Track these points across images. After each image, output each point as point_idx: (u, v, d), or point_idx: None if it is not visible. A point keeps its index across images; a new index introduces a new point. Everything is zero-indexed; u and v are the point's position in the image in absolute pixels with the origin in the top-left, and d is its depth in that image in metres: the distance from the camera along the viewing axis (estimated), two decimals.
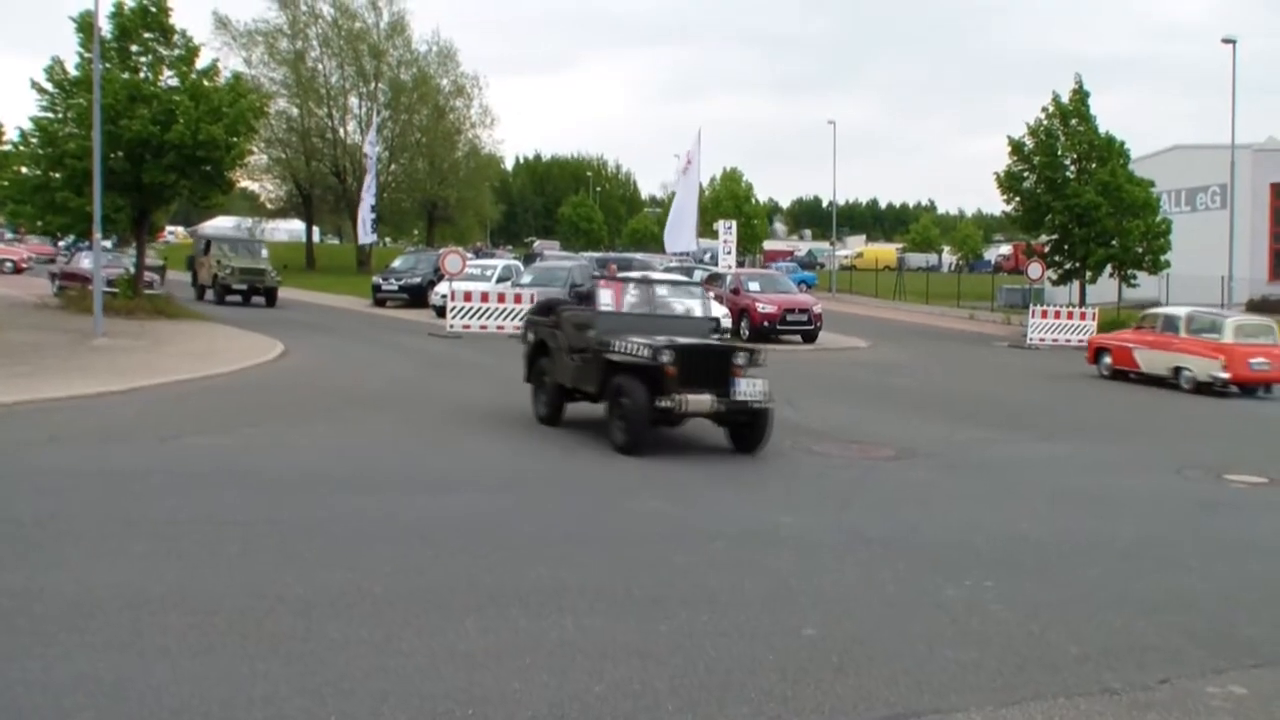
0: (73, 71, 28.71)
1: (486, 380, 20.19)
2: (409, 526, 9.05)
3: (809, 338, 32.27)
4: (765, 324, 31.63)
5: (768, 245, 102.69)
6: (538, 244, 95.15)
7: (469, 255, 47.12)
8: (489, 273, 38.29)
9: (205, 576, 7.41)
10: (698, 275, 38.15)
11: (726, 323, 30.18)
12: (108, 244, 41.21)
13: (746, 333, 31.56)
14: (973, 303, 55.49)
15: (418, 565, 7.91)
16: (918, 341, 35.81)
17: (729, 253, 34.84)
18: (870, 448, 14.18)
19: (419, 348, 26.62)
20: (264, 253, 39.39)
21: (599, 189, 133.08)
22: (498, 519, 9.38)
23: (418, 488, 10.70)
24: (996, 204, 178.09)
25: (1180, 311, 25.11)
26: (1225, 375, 23.15)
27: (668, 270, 41.15)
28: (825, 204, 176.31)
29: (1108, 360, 26.19)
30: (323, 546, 8.29)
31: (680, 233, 41.65)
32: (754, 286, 33.61)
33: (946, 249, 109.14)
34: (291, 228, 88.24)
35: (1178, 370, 24.18)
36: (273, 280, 37.24)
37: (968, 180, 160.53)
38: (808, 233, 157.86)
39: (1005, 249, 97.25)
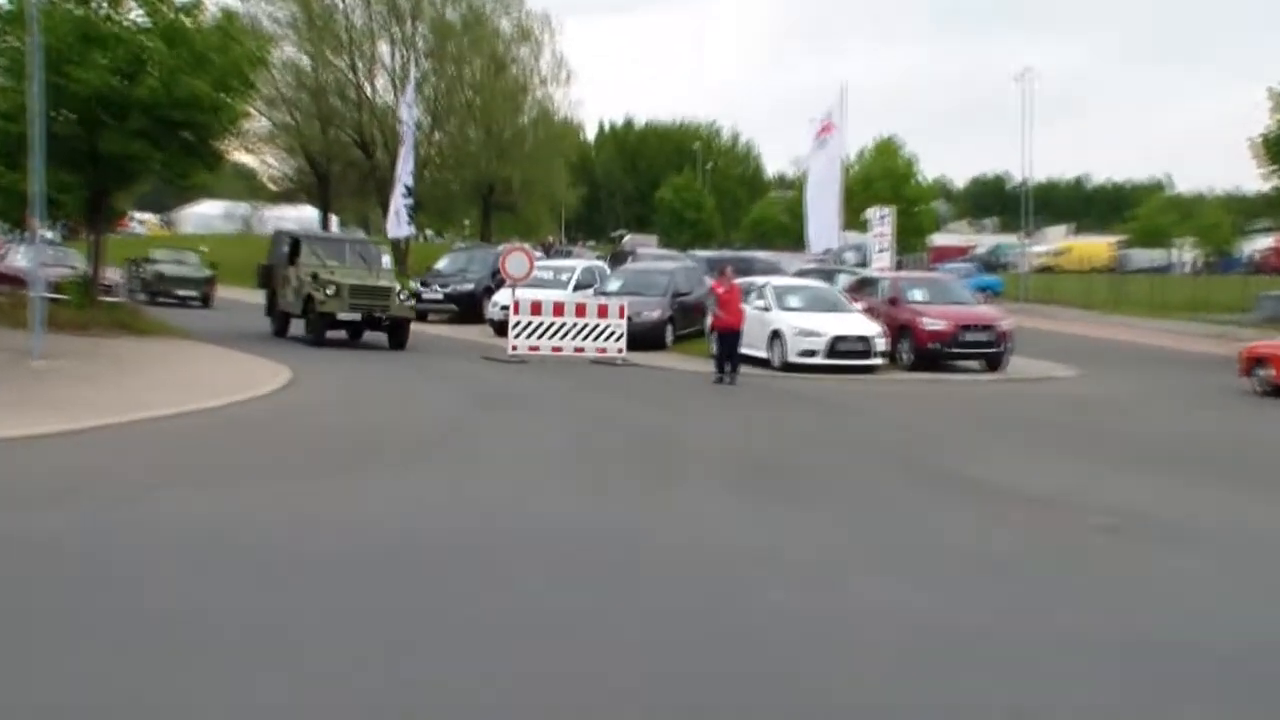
0: (1, 1, 29.18)
1: (563, 420, 20.22)
2: (473, 628, 8.71)
3: (994, 364, 32.13)
4: (934, 345, 31.38)
5: (936, 240, 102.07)
6: (628, 239, 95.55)
7: (537, 254, 47.31)
8: (564, 277, 38.46)
9: None
10: (841, 281, 37.87)
11: (881, 343, 29.89)
12: (50, 234, 42.20)
13: (909, 356, 31.26)
14: (1221, 316, 54.28)
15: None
16: (1143, 370, 35.15)
17: (884, 250, 34.46)
18: (1081, 515, 13.88)
19: (471, 376, 26.63)
20: (385, 260, 34.02)
21: (710, 166, 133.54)
22: (600, 617, 9.10)
23: (471, 570, 10.47)
24: (1254, 179, 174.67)
25: None
26: None
27: (801, 274, 40.90)
28: (1014, 184, 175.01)
29: (1266, 373, 28.48)
30: (354, 660, 7.96)
31: (819, 224, 41.43)
32: (918, 295, 33.39)
33: (1184, 242, 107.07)
34: (301, 216, 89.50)
35: None
36: (404, 308, 32.04)
37: (1215, 149, 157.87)
38: (990, 222, 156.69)
39: (1267, 241, 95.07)
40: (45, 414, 17.38)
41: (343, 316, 31.35)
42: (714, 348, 28.82)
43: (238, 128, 31.73)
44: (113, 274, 38.39)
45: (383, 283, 31.96)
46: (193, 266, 46.47)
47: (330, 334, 31.96)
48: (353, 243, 35.39)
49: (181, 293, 44.35)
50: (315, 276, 31.48)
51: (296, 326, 33.15)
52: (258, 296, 39.01)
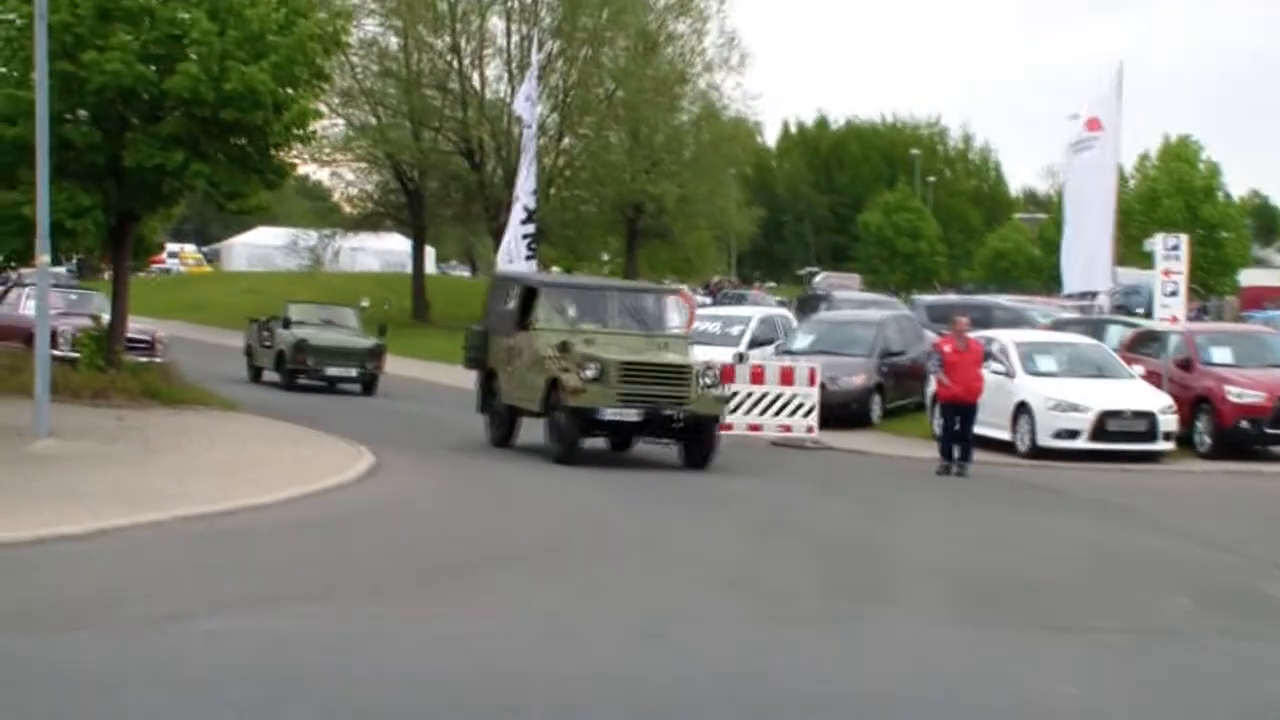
0: None
1: (730, 523, 20.30)
2: None
3: None
4: (1245, 424, 30.76)
5: (1248, 278, 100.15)
6: (821, 278, 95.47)
7: (699, 298, 47.42)
8: (735, 330, 38.46)
9: None
10: (1113, 335, 37.40)
11: (1170, 421, 29.45)
12: (61, 270, 42.32)
13: (1208, 439, 30.76)
14: None
15: None
16: None
17: (1174, 293, 33.96)
18: None
19: (611, 461, 26.74)
20: (673, 316, 29.29)
21: (932, 180, 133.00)
22: None
23: (615, 716, 10.67)
24: None
25: None
26: None
27: (1058, 325, 40.48)
28: None
29: None
30: None
31: (1082, 258, 40.93)
32: (1223, 355, 32.79)
33: None
34: (387, 248, 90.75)
35: None
36: (710, 400, 26.67)
37: None
38: None
39: None
40: (57, 509, 17.68)
41: (611, 415, 25.82)
42: (938, 427, 28.65)
43: (305, 131, 31.80)
44: (149, 326, 38.76)
45: (673, 357, 26.93)
46: (351, 332, 42.29)
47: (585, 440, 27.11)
48: (623, 291, 29.97)
49: (334, 371, 40.22)
50: (565, 348, 26.32)
51: (531, 430, 27.99)
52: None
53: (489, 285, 33.54)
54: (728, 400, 27.79)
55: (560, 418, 25.90)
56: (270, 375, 41.20)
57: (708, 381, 26.19)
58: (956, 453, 27.20)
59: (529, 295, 28.28)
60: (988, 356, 30.74)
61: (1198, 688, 12.32)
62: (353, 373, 40.24)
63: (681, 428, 26.16)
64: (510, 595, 14.89)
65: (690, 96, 74.36)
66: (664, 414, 25.78)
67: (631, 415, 25.74)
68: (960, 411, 27.53)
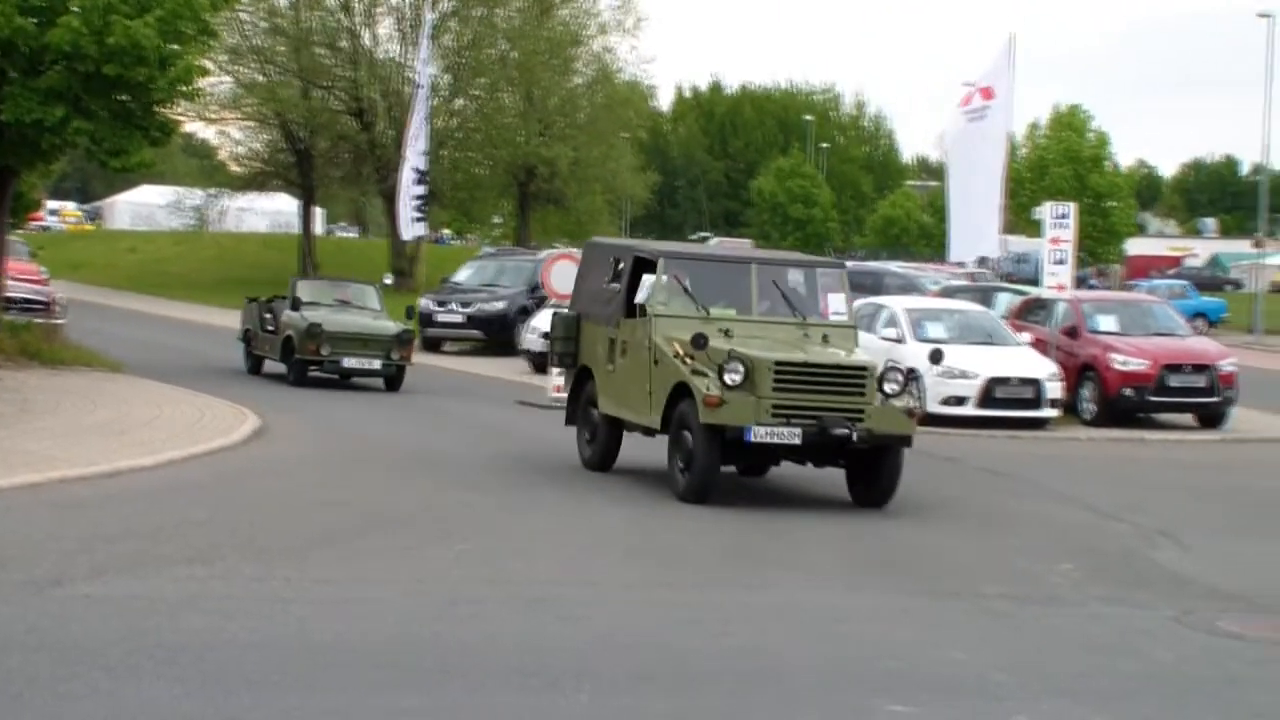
0: None
1: (625, 491, 20.44)
2: None
3: (1211, 417, 32.04)
4: (1129, 392, 31.11)
5: (1134, 247, 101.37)
6: (715, 243, 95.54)
7: None
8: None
9: None
10: (1001, 302, 37.68)
11: (1056, 388, 29.73)
12: None
13: (1093, 407, 31.10)
14: None
15: None
16: None
17: (1061, 261, 34.26)
18: None
19: (502, 427, 26.78)
20: (835, 302, 22.32)
21: (825, 146, 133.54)
22: None
23: (500, 678, 10.71)
24: None
25: None
26: None
27: (947, 293, 40.74)
28: (1245, 171, 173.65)
29: None
30: None
31: (973, 226, 41.19)
32: (1109, 323, 33.15)
33: None
34: (275, 208, 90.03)
35: None
36: (895, 416, 19.72)
37: None
38: (1210, 223, 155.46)
39: None
40: None
41: (761, 435, 19.11)
42: None
43: (191, 89, 31.54)
44: (39, 281, 38.16)
45: (841, 355, 20.59)
46: (373, 314, 34.50)
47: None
48: (769, 265, 22.80)
49: (353, 363, 32.36)
50: (699, 342, 19.57)
51: (640, 449, 22.45)
52: (223, 317, 39.13)
53: (584, 252, 25.95)
54: (916, 414, 20.44)
55: (691, 438, 19.51)
56: (274, 366, 33.74)
57: (891, 388, 19.57)
58: None
59: (641, 269, 22.19)
60: (874, 320, 31.05)
61: (1081, 653, 12.47)
62: (375, 364, 32.27)
63: (857, 451, 19.70)
64: (398, 560, 14.93)
65: (584, 59, 74.23)
66: (834, 433, 19.02)
67: (792, 437, 19.17)
68: None
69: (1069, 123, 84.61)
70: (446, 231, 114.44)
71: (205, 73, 34.91)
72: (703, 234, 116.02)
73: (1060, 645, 12.75)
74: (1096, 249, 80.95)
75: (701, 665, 11.39)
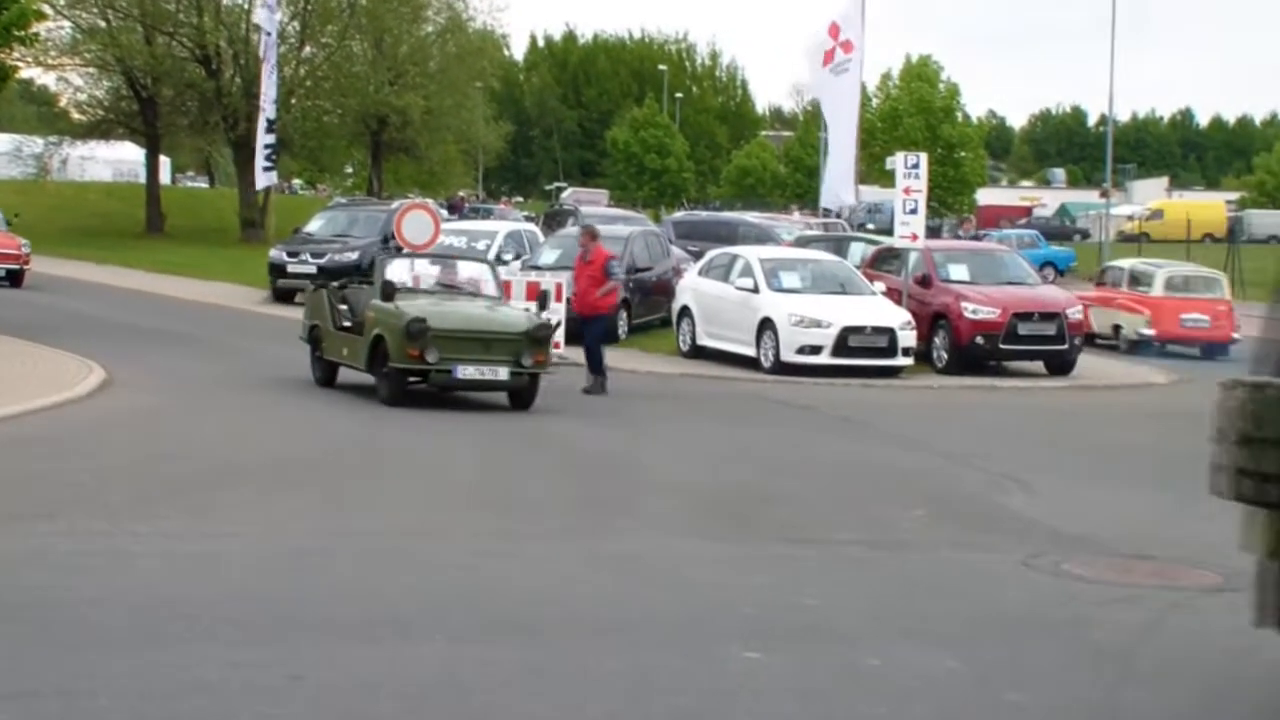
0: None
1: (477, 438, 20.62)
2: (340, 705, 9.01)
3: (1059, 365, 32.49)
4: (979, 340, 31.46)
5: (984, 197, 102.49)
6: (569, 194, 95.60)
7: (444, 213, 47.24)
8: (481, 245, 38.33)
9: None
10: (855, 252, 37.93)
11: (909, 336, 29.95)
12: None
13: (945, 354, 31.42)
14: None
15: None
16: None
17: (914, 210, 34.50)
18: (1171, 569, 14.22)
19: (353, 377, 26.62)
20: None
21: (679, 96, 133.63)
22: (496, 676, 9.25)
23: (349, 630, 10.73)
24: None
25: (1125, 264, 42.42)
26: (1150, 332, 37.91)
27: (801, 243, 40.98)
28: (1092, 122, 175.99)
29: None
30: None
31: (837, 175, 41.53)
32: (960, 272, 33.48)
33: None
34: (119, 157, 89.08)
35: (1117, 329, 38.77)
36: None
37: None
38: (1059, 173, 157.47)
39: None
40: None
41: None
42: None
43: (27, 33, 31.05)
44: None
45: None
46: (490, 303, 25.11)
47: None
48: None
49: (471, 372, 23.05)
50: None
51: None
52: (67, 268, 38.66)
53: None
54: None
55: None
56: (353, 375, 24.84)
57: None
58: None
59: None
60: (730, 270, 31.21)
61: (929, 597, 12.59)
62: (501, 374, 23.02)
63: None
64: (247, 512, 14.87)
65: (435, 7, 74.15)
66: None
67: None
68: (583, 324, 27.26)
69: (920, 74, 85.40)
70: (297, 181, 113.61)
71: (42, 17, 34.54)
72: (558, 185, 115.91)
73: (911, 589, 12.87)
74: (948, 199, 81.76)
75: (553, 614, 11.39)
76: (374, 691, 9.35)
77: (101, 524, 13.93)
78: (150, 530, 13.83)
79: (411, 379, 23.15)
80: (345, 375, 24.94)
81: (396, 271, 24.96)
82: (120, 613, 10.90)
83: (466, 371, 22.74)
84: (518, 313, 25.01)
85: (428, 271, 25.82)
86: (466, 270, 26.31)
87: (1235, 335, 38.15)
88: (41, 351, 26.61)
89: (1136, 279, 39.69)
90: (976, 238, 62.76)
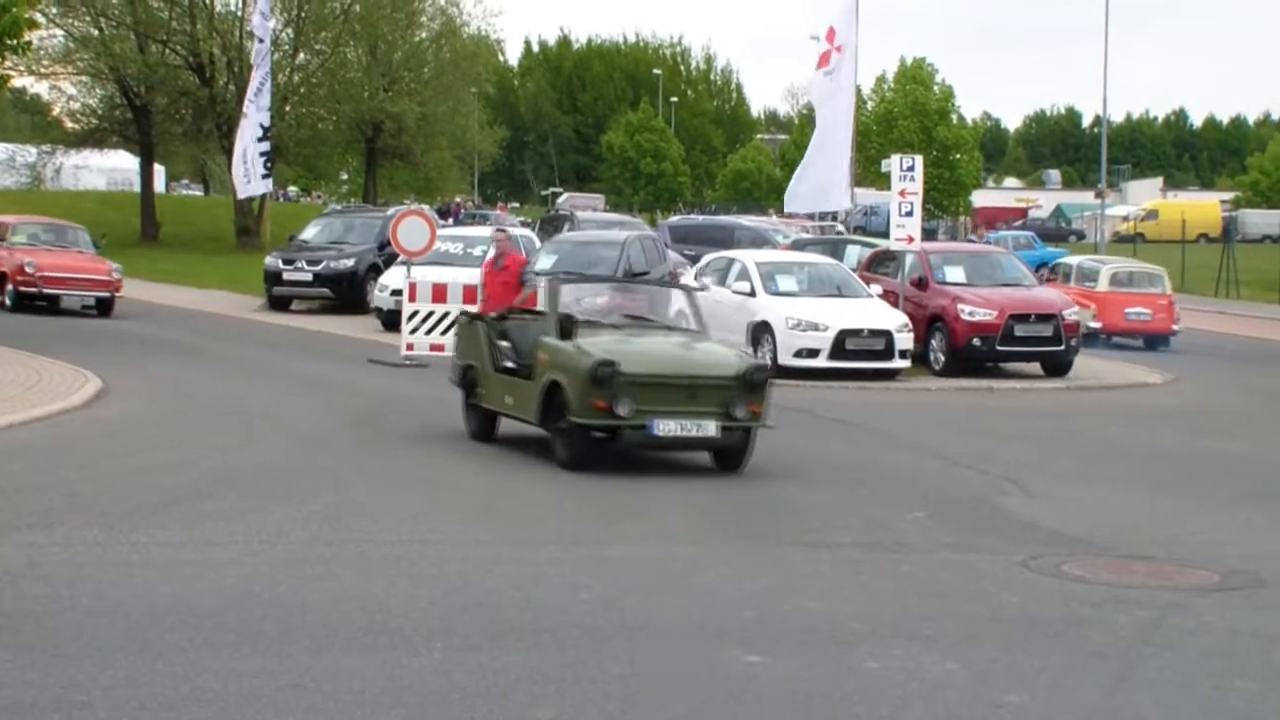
0: None
1: (474, 451, 20.38)
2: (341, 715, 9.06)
3: (1056, 366, 32.50)
4: (976, 342, 31.46)
5: (980, 199, 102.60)
6: (565, 199, 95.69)
7: (440, 220, 47.23)
8: (477, 251, 38.32)
9: None
10: (852, 255, 37.93)
11: (906, 339, 29.95)
12: None
13: (941, 357, 31.45)
14: None
15: None
16: (1259, 375, 35.31)
17: (909, 213, 34.50)
18: (1170, 569, 14.22)
19: (350, 385, 26.64)
20: None
21: (674, 100, 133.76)
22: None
23: (349, 638, 10.74)
24: None
25: (1074, 260, 44.28)
26: (1097, 325, 38.90)
27: (798, 246, 40.98)
28: (1087, 124, 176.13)
29: None
30: None
31: (822, 179, 41.45)
32: (956, 274, 33.49)
33: None
34: (113, 166, 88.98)
35: None
36: None
37: None
38: (1054, 175, 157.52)
39: None
40: None
41: None
42: None
43: (19, 42, 30.97)
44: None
45: None
46: (687, 339, 20.23)
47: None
48: None
49: (672, 427, 18.35)
50: None
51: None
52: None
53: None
54: None
55: None
56: (516, 426, 20.54)
57: None
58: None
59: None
60: (727, 273, 31.23)
61: (931, 599, 12.60)
62: (709, 429, 18.40)
63: None
64: (243, 521, 14.80)
65: (429, 13, 74.16)
66: None
67: None
68: None
69: (915, 76, 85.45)
70: (293, 189, 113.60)
71: (34, 25, 34.33)
72: (554, 190, 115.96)
73: (911, 592, 12.87)
74: (944, 201, 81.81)
75: (555, 620, 11.38)
76: (375, 701, 9.36)
77: (98, 533, 13.90)
78: (148, 539, 13.80)
79: (598, 438, 18.63)
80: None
81: (573, 299, 20.38)
82: (118, 622, 10.89)
83: (666, 427, 18.08)
84: (725, 351, 20.28)
85: (609, 300, 21.49)
86: (655, 298, 21.97)
87: (1175, 327, 40.30)
88: (37, 361, 26.55)
89: (1084, 275, 41.48)
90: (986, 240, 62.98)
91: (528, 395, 19.17)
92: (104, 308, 38.10)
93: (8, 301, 37.03)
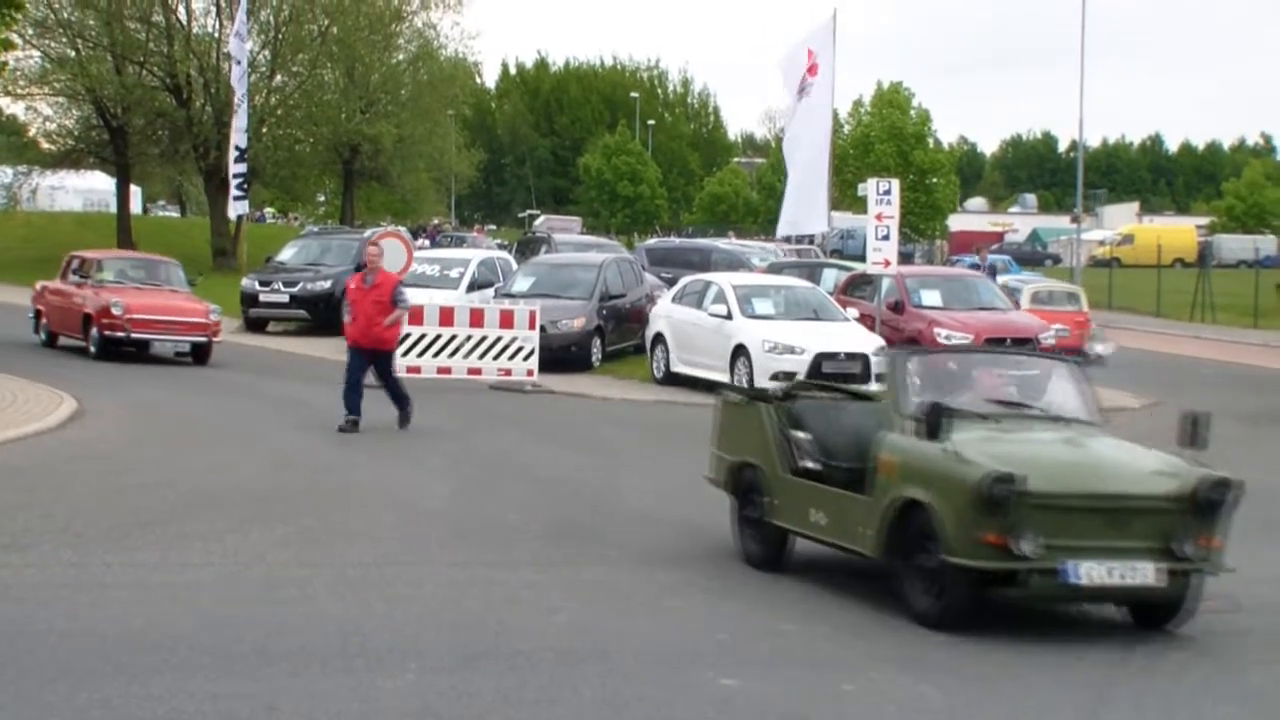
0: None
1: (447, 469, 20.39)
2: None
3: None
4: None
5: (956, 223, 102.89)
6: (542, 221, 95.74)
7: (417, 241, 47.24)
8: (454, 273, 38.39)
9: None
10: (829, 279, 37.99)
11: (880, 362, 29.95)
12: None
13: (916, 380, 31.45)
14: None
15: None
16: (1235, 399, 35.37)
17: (885, 237, 34.55)
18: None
19: (327, 407, 26.55)
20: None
21: (652, 123, 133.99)
22: None
23: (325, 660, 10.73)
24: None
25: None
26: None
27: (774, 269, 41.05)
28: (1063, 148, 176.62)
29: None
30: None
31: (802, 202, 41.54)
32: (932, 298, 33.55)
33: None
34: (90, 187, 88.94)
35: None
36: None
37: None
38: (1030, 199, 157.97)
39: None
40: None
41: None
42: (347, 373, 23.77)
43: None
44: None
45: None
46: (1081, 438, 14.33)
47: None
48: None
49: (1103, 572, 12.43)
50: None
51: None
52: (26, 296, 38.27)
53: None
54: None
55: None
56: (814, 549, 14.94)
57: None
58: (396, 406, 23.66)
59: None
60: (704, 296, 31.23)
61: (906, 623, 12.56)
62: (1147, 576, 12.53)
63: None
64: (219, 543, 14.80)
65: (407, 35, 74.00)
66: None
67: None
68: (370, 358, 23.62)
69: (892, 100, 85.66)
70: (269, 210, 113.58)
71: (10, 46, 34.24)
72: (531, 212, 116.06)
73: (886, 616, 12.87)
74: (920, 225, 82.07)
75: (529, 644, 11.40)
76: None
77: (73, 555, 13.90)
78: (123, 561, 13.79)
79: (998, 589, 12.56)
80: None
81: (932, 379, 14.67)
82: (92, 644, 10.90)
83: (1091, 572, 12.31)
84: (1147, 456, 14.05)
85: (982, 378, 15.20)
86: (1037, 374, 15.91)
87: (1087, 342, 40.39)
88: (11, 382, 26.48)
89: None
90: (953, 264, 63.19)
91: (857, 515, 13.64)
92: (200, 354, 33.13)
93: (92, 349, 32.42)
